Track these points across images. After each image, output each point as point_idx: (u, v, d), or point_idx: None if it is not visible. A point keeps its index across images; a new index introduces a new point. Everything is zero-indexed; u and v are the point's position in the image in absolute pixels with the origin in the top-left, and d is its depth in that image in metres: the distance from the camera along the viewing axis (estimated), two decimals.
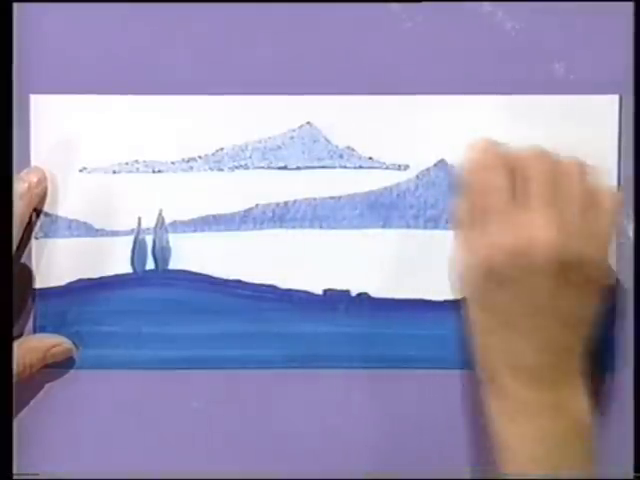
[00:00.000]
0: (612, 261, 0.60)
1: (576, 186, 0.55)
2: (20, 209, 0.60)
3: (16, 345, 0.59)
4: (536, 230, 0.53)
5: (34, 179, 0.61)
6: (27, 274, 0.62)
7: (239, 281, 0.62)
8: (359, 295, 0.62)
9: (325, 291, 0.62)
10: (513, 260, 0.53)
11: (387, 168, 0.62)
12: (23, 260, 0.62)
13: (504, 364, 0.55)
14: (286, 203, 0.62)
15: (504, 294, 0.54)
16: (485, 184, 0.56)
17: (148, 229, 0.62)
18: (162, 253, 0.62)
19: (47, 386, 0.62)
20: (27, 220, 0.61)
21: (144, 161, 0.62)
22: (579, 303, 0.55)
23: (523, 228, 0.54)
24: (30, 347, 0.60)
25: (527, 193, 0.55)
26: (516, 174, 0.55)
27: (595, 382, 0.58)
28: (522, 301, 0.54)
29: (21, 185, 0.60)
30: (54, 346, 0.61)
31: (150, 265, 0.62)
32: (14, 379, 0.58)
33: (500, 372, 0.55)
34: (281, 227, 0.62)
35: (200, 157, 0.62)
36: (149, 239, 0.62)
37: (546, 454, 0.54)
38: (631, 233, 0.61)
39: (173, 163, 0.62)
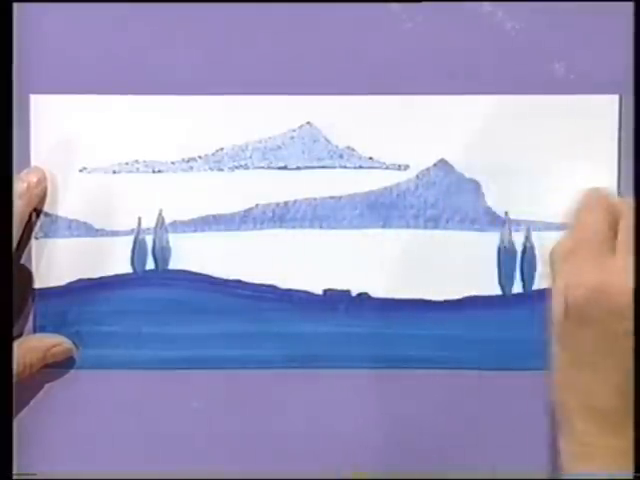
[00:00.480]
0: None
1: None
2: (20, 209, 0.60)
3: (16, 345, 0.59)
4: (619, 271, 0.54)
5: (34, 179, 0.61)
6: (27, 274, 0.62)
7: (239, 281, 0.62)
8: (359, 295, 0.62)
9: (325, 291, 0.62)
10: (594, 298, 0.54)
11: (387, 168, 0.62)
12: (23, 260, 0.62)
13: (579, 404, 0.55)
14: (286, 203, 0.62)
15: (584, 333, 0.54)
16: (583, 227, 0.56)
17: (148, 229, 0.62)
18: (162, 253, 0.62)
19: (47, 386, 0.62)
20: (27, 220, 0.61)
21: (144, 161, 0.62)
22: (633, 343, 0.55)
23: (608, 269, 0.54)
24: (30, 347, 0.60)
25: (614, 236, 0.55)
26: (612, 221, 0.56)
27: None
28: (601, 341, 0.54)
29: (21, 185, 0.60)
30: (54, 346, 0.61)
31: (150, 265, 0.62)
32: (14, 379, 0.58)
33: (574, 412, 0.55)
34: (281, 227, 0.62)
35: (200, 157, 0.62)
36: (149, 239, 0.62)
37: None
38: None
39: (173, 163, 0.62)
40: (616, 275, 0.54)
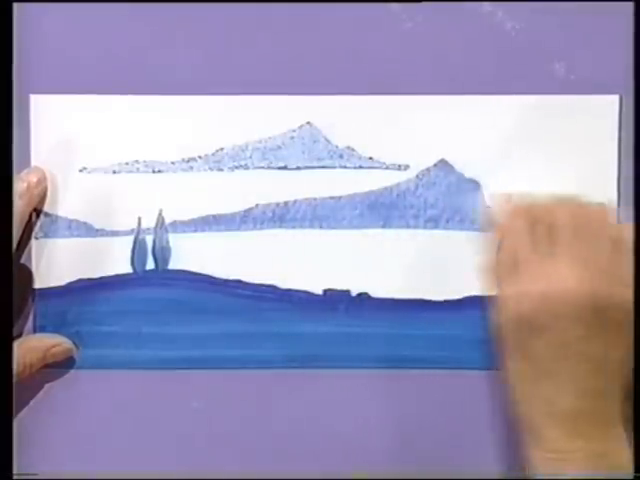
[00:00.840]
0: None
1: (600, 230, 0.56)
2: (20, 209, 0.60)
3: (16, 345, 0.59)
4: (563, 277, 0.54)
5: (34, 179, 0.61)
6: (27, 274, 0.62)
7: (239, 281, 0.62)
8: (359, 295, 0.62)
9: (325, 291, 0.62)
10: (542, 307, 0.54)
11: (387, 168, 0.62)
12: (23, 260, 0.62)
13: (543, 413, 0.55)
14: (286, 203, 0.62)
15: (537, 342, 0.54)
16: (512, 237, 0.57)
17: (148, 229, 0.62)
18: (162, 253, 0.62)
19: (47, 386, 0.62)
20: (27, 220, 0.61)
21: (144, 161, 0.62)
22: (612, 347, 0.54)
23: (550, 276, 0.54)
24: (30, 347, 0.60)
25: (553, 241, 0.55)
26: (541, 224, 0.56)
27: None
28: (555, 348, 0.54)
29: (21, 185, 0.60)
30: (54, 346, 0.61)
31: (150, 265, 0.62)
32: (14, 379, 0.58)
33: (539, 421, 0.55)
34: (281, 227, 0.62)
35: (200, 157, 0.62)
36: (149, 239, 0.62)
37: None
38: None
39: (173, 163, 0.62)
40: (563, 278, 0.54)
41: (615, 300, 0.54)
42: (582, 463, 0.53)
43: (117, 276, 0.62)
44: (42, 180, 0.61)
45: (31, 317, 0.62)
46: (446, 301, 0.62)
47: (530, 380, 0.55)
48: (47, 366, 0.61)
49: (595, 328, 0.54)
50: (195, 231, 0.62)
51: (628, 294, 0.54)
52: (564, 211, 0.57)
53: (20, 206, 0.60)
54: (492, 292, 0.57)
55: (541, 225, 0.56)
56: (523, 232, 0.56)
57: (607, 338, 0.54)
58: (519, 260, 0.56)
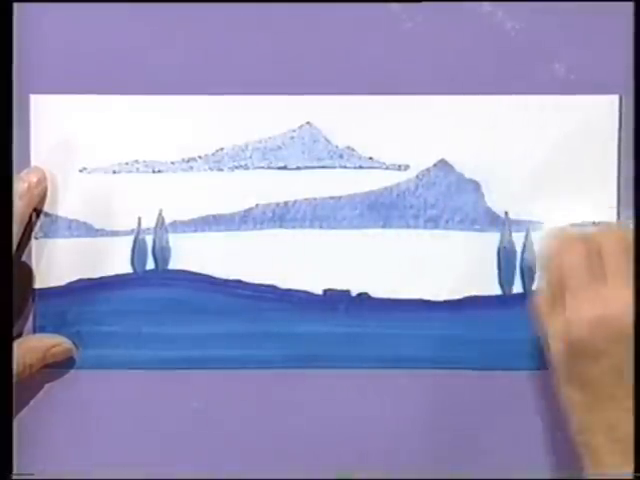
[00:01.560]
0: None
1: (630, 250, 0.56)
2: (20, 209, 0.60)
3: (16, 345, 0.59)
4: (614, 300, 0.54)
5: (34, 179, 0.61)
6: (27, 274, 0.62)
7: (239, 281, 0.62)
8: (359, 295, 0.62)
9: (325, 291, 0.62)
10: (596, 332, 0.54)
11: (387, 168, 0.62)
12: (23, 260, 0.62)
13: (607, 440, 0.54)
14: (286, 203, 0.62)
15: (593, 368, 0.54)
16: (564, 265, 0.56)
17: (148, 229, 0.62)
18: (162, 253, 0.62)
19: (47, 386, 0.62)
20: (27, 220, 0.61)
21: (144, 161, 0.62)
22: None
23: (601, 300, 0.54)
24: (30, 347, 0.60)
25: (601, 267, 0.55)
26: (588, 250, 0.56)
27: None
28: (612, 373, 0.54)
29: (21, 185, 0.60)
30: (54, 346, 0.61)
31: (150, 265, 0.62)
32: (14, 379, 0.58)
33: (604, 448, 0.54)
34: (281, 227, 0.62)
35: (200, 157, 0.62)
36: (149, 239, 0.62)
37: None
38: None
39: (173, 163, 0.62)
40: (613, 303, 0.54)
41: None
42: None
43: (117, 276, 0.62)
44: (42, 180, 0.61)
45: (31, 317, 0.62)
46: (446, 301, 0.62)
47: (589, 407, 0.55)
48: (47, 366, 0.61)
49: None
50: (195, 231, 0.62)
51: None
52: (609, 237, 0.57)
53: (21, 206, 0.60)
54: (543, 323, 0.57)
55: (588, 252, 0.56)
56: (575, 260, 0.56)
57: None
58: (569, 287, 0.56)
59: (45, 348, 0.61)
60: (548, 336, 0.57)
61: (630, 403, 0.54)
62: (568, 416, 0.56)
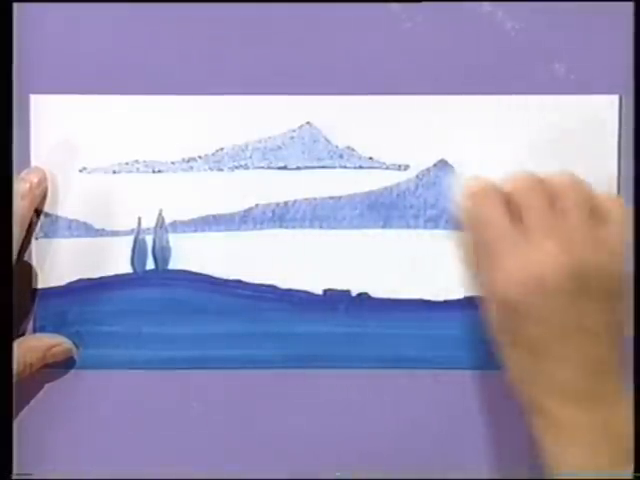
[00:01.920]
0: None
1: (574, 201, 0.55)
2: (22, 209, 0.60)
3: (16, 345, 0.59)
4: (544, 254, 0.54)
5: (35, 179, 0.61)
6: (27, 274, 0.62)
7: (239, 281, 0.62)
8: (359, 295, 0.62)
9: (325, 291, 0.62)
10: (527, 289, 0.54)
11: (387, 168, 0.62)
12: (23, 260, 0.62)
13: (548, 393, 0.55)
14: (286, 203, 0.62)
15: (528, 325, 0.54)
16: (483, 218, 0.56)
17: (148, 229, 0.62)
18: (162, 253, 0.62)
19: (47, 386, 0.62)
20: (28, 220, 0.61)
21: (144, 161, 0.62)
22: (604, 316, 0.54)
23: (530, 256, 0.54)
24: (30, 347, 0.60)
25: (527, 220, 0.55)
26: (513, 203, 0.56)
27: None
28: (548, 327, 0.54)
29: (22, 185, 0.60)
30: (54, 346, 0.61)
31: (150, 265, 0.62)
32: (14, 379, 0.58)
33: (546, 402, 0.55)
34: (281, 227, 0.62)
35: (200, 157, 0.62)
36: (149, 239, 0.62)
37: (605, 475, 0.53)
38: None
39: (173, 163, 0.62)
40: (544, 256, 0.53)
41: (601, 268, 0.54)
42: (585, 434, 0.53)
43: (117, 276, 0.62)
44: (43, 180, 0.61)
45: (31, 317, 0.62)
46: (446, 301, 0.62)
47: (529, 364, 0.55)
48: (47, 366, 0.61)
49: (578, 297, 0.53)
50: (195, 231, 0.62)
51: (614, 260, 0.54)
52: (532, 189, 0.56)
53: (22, 207, 0.60)
54: (473, 278, 0.57)
55: (508, 206, 0.56)
56: (495, 213, 0.56)
57: (598, 307, 0.54)
58: (492, 247, 0.55)
59: (45, 348, 0.61)
60: (483, 297, 0.56)
61: (565, 354, 0.54)
62: (509, 375, 0.56)
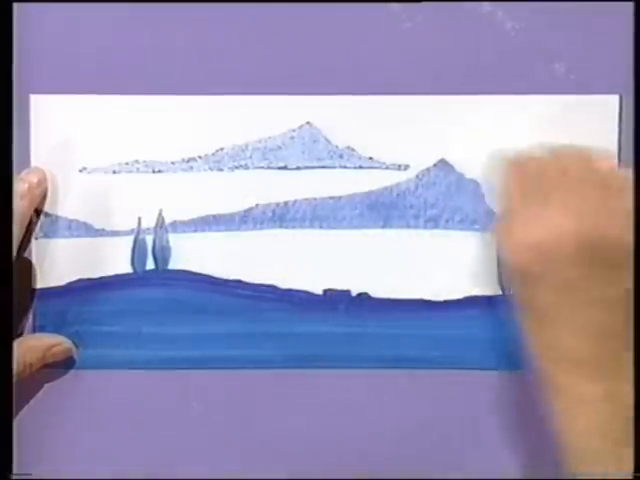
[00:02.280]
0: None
1: (585, 171, 0.56)
2: (21, 209, 0.60)
3: (16, 344, 0.59)
4: (553, 222, 0.54)
5: (35, 179, 0.61)
6: (27, 274, 0.62)
7: (239, 281, 0.62)
8: (359, 295, 0.62)
9: (325, 291, 0.62)
10: (538, 256, 0.54)
11: (387, 168, 0.62)
12: (23, 260, 0.62)
13: (557, 361, 0.54)
14: (286, 203, 0.62)
15: (536, 290, 0.54)
16: (503, 193, 0.56)
17: (148, 229, 0.62)
18: (162, 253, 0.62)
19: (47, 386, 0.62)
20: (28, 220, 0.61)
21: (144, 161, 0.62)
22: (612, 285, 0.54)
23: (541, 223, 0.54)
24: (30, 346, 0.60)
25: (542, 191, 0.55)
26: (530, 175, 0.56)
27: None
28: (557, 295, 0.54)
29: (22, 185, 0.60)
30: (54, 346, 0.61)
31: (150, 265, 0.62)
32: (14, 379, 0.58)
33: (554, 370, 0.54)
34: (281, 227, 0.62)
35: (200, 157, 0.62)
36: (149, 239, 0.62)
37: (610, 447, 0.53)
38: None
39: (173, 163, 0.62)
40: (552, 226, 0.54)
41: (610, 237, 0.54)
42: (597, 405, 0.53)
43: (117, 276, 0.62)
44: (43, 180, 0.61)
45: (31, 317, 0.62)
46: (446, 301, 0.62)
47: (540, 331, 0.55)
48: (47, 366, 0.61)
49: (589, 267, 0.53)
50: (195, 231, 0.62)
51: (622, 233, 0.54)
52: (551, 160, 0.56)
53: (22, 207, 0.60)
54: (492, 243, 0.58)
55: (530, 176, 0.56)
56: (513, 186, 0.56)
57: (603, 277, 0.54)
58: (511, 213, 0.56)
59: (45, 347, 0.61)
60: (500, 262, 0.57)
61: (572, 323, 0.54)
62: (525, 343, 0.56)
